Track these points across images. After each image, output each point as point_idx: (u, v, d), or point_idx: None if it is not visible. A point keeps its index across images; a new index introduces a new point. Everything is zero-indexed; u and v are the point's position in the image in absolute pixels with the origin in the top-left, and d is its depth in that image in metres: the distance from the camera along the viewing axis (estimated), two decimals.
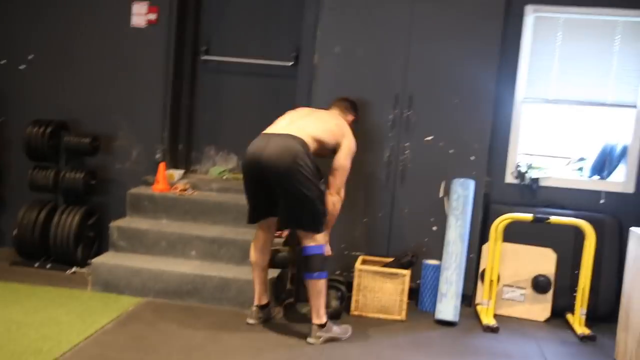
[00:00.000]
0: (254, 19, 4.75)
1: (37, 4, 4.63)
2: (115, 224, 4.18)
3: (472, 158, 4.01)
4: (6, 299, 3.71)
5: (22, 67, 4.68)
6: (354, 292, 3.86)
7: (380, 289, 3.82)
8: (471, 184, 3.90)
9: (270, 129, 3.44)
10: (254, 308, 3.60)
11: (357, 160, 4.04)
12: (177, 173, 4.57)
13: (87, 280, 4.00)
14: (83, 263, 4.34)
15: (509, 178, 4.28)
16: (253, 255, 3.59)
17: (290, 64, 4.63)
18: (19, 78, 4.68)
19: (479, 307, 3.97)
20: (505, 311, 4.01)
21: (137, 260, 4.02)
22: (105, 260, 4.02)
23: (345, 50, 4.07)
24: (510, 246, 3.99)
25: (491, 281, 3.84)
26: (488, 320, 3.78)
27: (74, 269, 4.30)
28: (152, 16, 4.54)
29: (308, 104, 4.17)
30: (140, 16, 4.56)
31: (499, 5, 3.94)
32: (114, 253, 4.14)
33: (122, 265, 3.95)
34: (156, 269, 3.91)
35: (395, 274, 3.82)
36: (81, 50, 4.62)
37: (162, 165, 4.43)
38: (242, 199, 3.91)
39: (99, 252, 4.32)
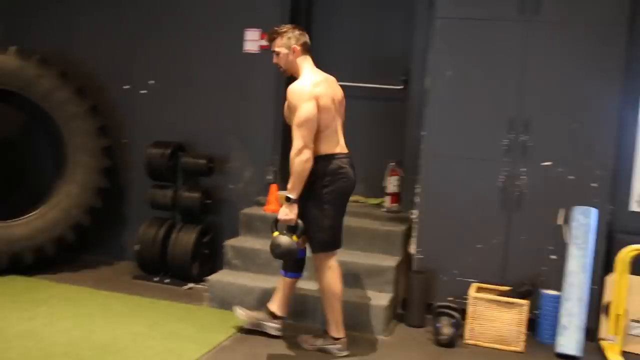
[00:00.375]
0: (363, 42, 4.82)
1: (158, 34, 4.91)
2: (229, 243, 4.32)
3: (594, 185, 3.84)
4: (130, 311, 3.91)
5: (143, 91, 4.97)
6: (469, 320, 3.78)
7: (496, 318, 3.71)
8: (593, 212, 3.73)
9: (342, 146, 3.49)
10: (345, 340, 3.48)
11: (470, 183, 4.00)
12: None
13: (203, 296, 4.15)
14: (199, 279, 4.52)
15: (635, 206, 4.05)
16: (340, 285, 3.44)
17: (400, 87, 4.64)
18: (140, 102, 4.98)
19: (603, 343, 3.76)
20: (633, 348, 3.76)
21: (251, 278, 4.13)
22: (221, 277, 4.16)
23: (457, 73, 4.03)
24: (637, 279, 3.76)
25: (617, 315, 3.64)
26: (615, 357, 3.57)
27: (190, 285, 4.48)
28: (264, 42, 4.70)
29: (418, 127, 4.20)
30: (252, 42, 4.73)
31: (620, 23, 3.78)
32: (229, 271, 4.27)
33: (237, 283, 4.07)
34: (269, 287, 3.99)
35: (513, 304, 3.70)
36: (198, 75, 4.85)
37: (273, 187, 4.55)
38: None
39: (213, 270, 4.47)
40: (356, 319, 3.78)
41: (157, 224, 4.60)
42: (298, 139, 3.24)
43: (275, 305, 3.61)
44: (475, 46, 4.00)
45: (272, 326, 3.61)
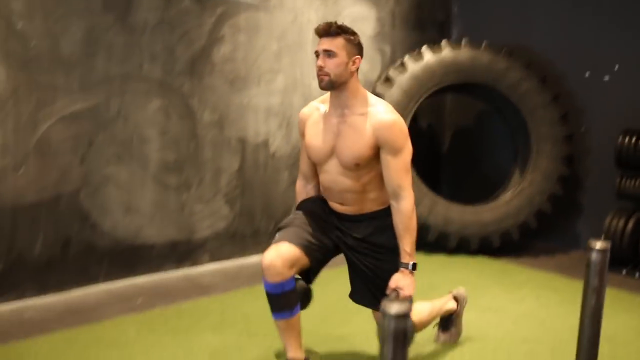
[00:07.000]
0: None
1: (623, 13, 4.66)
2: None
3: None
4: (626, 307, 3.81)
5: (606, 78, 4.79)
6: None
7: None
8: None
9: None
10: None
11: None
12: None
13: None
14: None
15: None
16: None
17: None
18: (603, 88, 4.80)
19: None
20: None
21: None
22: None
23: None
24: None
25: None
26: None
27: None
28: None
29: None
30: None
31: None
32: None
33: None
34: None
35: None
36: None
37: None
38: None
39: None
40: None
41: (625, 216, 4.42)
42: (410, 189, 2.48)
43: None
44: None
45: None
